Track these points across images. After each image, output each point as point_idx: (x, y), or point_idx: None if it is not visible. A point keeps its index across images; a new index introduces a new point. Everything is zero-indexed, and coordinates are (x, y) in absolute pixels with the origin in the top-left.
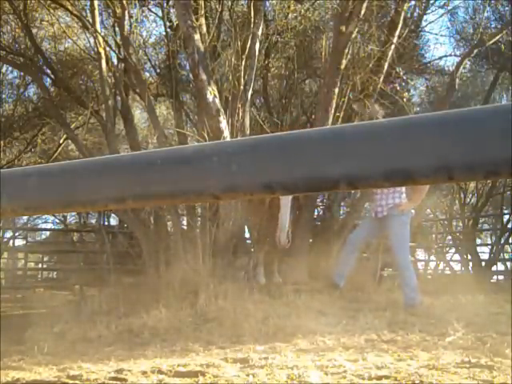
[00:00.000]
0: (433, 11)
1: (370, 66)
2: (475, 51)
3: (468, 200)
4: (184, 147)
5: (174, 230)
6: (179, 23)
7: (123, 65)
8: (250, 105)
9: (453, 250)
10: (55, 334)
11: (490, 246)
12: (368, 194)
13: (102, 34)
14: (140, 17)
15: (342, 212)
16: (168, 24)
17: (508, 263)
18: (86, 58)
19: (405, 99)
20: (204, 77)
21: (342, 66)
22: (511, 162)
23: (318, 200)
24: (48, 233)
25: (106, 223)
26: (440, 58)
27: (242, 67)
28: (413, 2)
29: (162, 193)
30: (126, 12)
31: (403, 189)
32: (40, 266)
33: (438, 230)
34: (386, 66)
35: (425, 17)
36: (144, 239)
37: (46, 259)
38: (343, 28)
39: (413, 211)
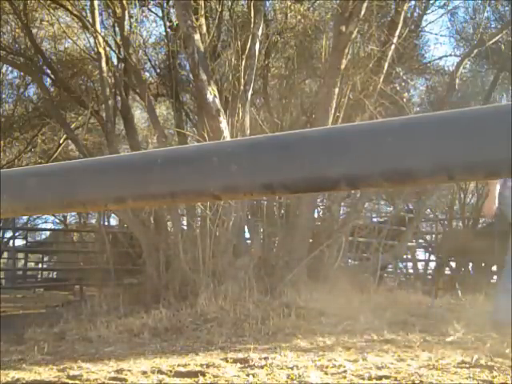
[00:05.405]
0: (433, 11)
1: (370, 66)
2: (475, 51)
3: (468, 200)
4: (184, 147)
5: (174, 230)
6: (179, 23)
7: (123, 65)
8: (250, 105)
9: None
10: (55, 334)
11: None
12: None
13: (102, 34)
14: (140, 17)
15: (341, 212)
16: (168, 24)
17: None
18: (86, 58)
19: (405, 99)
20: (204, 77)
21: (342, 66)
22: (511, 162)
23: (318, 200)
24: (48, 233)
25: (106, 223)
26: (440, 58)
27: (242, 67)
28: (413, 2)
29: (162, 193)
30: (126, 12)
31: None
32: (40, 266)
33: (437, 231)
34: (386, 66)
35: (425, 17)
36: (144, 239)
37: (46, 259)
38: (343, 28)
39: None
